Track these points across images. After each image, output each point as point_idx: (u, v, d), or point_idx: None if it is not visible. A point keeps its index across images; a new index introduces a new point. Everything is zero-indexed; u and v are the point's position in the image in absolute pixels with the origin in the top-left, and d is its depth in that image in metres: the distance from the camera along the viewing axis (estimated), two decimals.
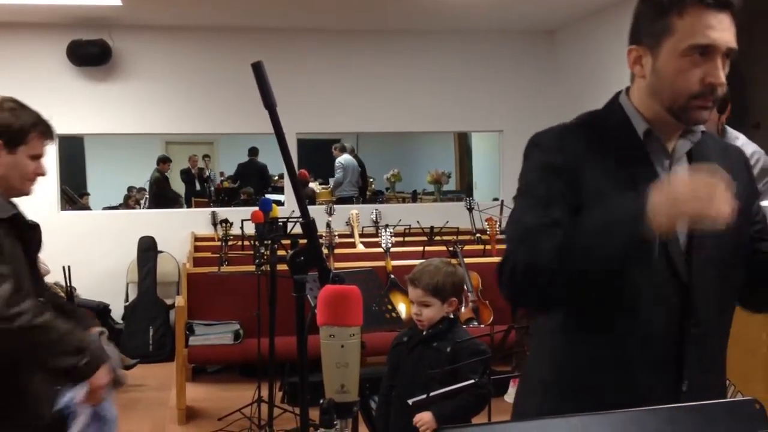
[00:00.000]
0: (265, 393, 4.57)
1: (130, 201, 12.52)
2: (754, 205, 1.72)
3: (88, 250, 7.54)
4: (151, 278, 7.40)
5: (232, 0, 6.94)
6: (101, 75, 7.74)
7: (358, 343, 1.24)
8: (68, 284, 6.05)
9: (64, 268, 5.94)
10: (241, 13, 7.39)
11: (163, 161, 12.27)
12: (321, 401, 1.21)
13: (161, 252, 7.63)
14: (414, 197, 12.48)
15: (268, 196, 9.48)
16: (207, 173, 14.54)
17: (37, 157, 2.39)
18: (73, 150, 13.21)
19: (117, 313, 7.37)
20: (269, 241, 4.38)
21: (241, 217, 6.78)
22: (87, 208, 11.28)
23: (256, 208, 4.72)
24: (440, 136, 14.01)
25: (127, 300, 7.47)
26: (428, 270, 2.94)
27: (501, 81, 8.42)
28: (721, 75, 1.53)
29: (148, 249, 7.56)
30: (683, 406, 1.24)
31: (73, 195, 11.26)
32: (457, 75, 8.32)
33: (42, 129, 2.39)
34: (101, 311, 7.06)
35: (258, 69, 1.48)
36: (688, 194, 1.38)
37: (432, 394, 2.64)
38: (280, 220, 4.84)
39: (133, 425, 5.14)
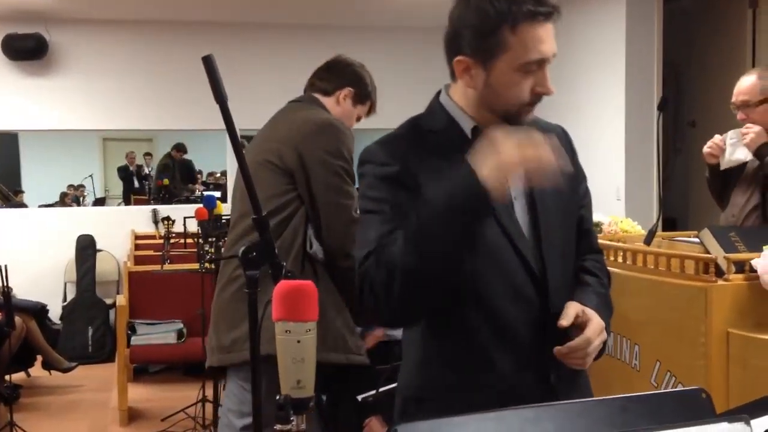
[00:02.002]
0: (209, 392, 4.53)
1: (67, 199, 12.25)
2: (579, 187, 1.76)
3: (24, 249, 7.35)
4: (90, 277, 7.25)
5: None
6: (37, 69, 7.55)
7: (314, 338, 1.24)
8: (5, 284, 5.88)
9: None
10: (180, 8, 7.28)
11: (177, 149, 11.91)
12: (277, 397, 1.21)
13: (100, 250, 7.48)
14: None
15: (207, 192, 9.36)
16: (146, 170, 14.31)
17: None
18: (7, 146, 12.88)
19: (55, 313, 7.17)
20: (214, 239, 4.34)
21: (183, 215, 6.68)
22: (22, 205, 11.00)
23: (200, 205, 4.67)
24: (381, 134, 13.97)
25: (65, 300, 7.30)
26: None
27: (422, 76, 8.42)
28: (549, 85, 1.57)
29: (86, 247, 7.40)
30: (634, 395, 1.27)
31: (8, 192, 10.95)
32: (407, 71, 8.29)
33: None
34: (39, 311, 6.88)
35: (208, 62, 1.46)
36: (513, 146, 1.40)
37: (381, 389, 2.64)
38: (224, 217, 4.79)
39: (72, 428, 5.04)
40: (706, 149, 3.33)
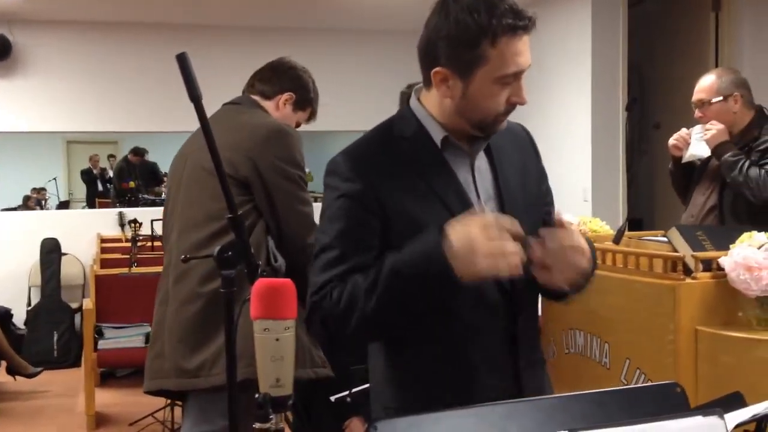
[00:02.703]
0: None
1: (30, 202, 12.07)
2: (543, 186, 1.78)
3: None
4: (55, 281, 7.15)
5: None
6: (0, 71, 7.44)
7: (293, 336, 1.23)
8: None
9: None
10: (146, 9, 7.22)
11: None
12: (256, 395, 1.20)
13: (65, 254, 7.38)
14: None
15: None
16: (110, 173, 14.14)
17: None
18: None
19: (19, 318, 7.07)
20: None
21: (150, 217, 6.63)
22: None
23: None
24: (353, 136, 13.97)
25: (29, 304, 7.18)
26: None
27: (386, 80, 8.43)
28: (524, 95, 1.58)
29: (51, 251, 7.30)
30: (610, 390, 1.28)
31: None
32: (365, 74, 8.30)
33: None
34: (2, 316, 6.78)
35: (182, 60, 1.45)
36: (480, 252, 1.41)
37: (353, 390, 2.64)
38: None
39: None
40: (671, 141, 3.40)
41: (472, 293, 1.54)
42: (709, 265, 2.63)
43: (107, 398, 5.66)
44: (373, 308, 1.48)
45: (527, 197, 1.69)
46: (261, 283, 1.23)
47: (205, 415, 2.45)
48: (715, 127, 3.22)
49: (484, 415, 1.18)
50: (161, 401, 4.77)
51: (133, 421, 4.96)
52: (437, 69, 1.57)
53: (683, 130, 3.37)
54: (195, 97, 1.45)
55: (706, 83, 3.30)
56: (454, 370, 1.61)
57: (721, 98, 3.25)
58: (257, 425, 1.17)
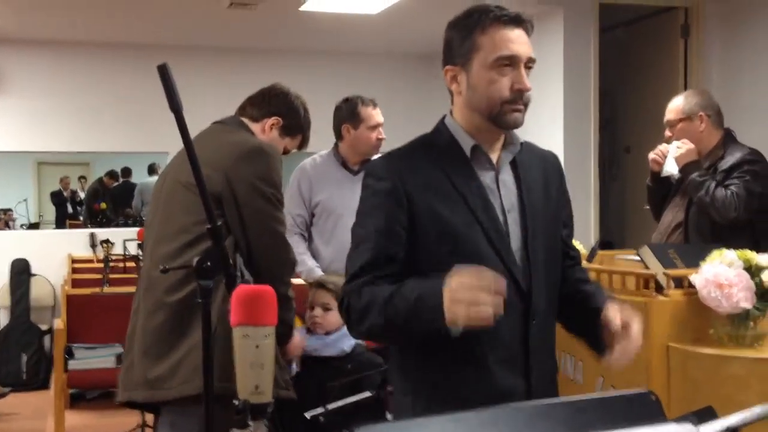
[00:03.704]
0: (149, 418, 4.44)
1: None
2: (564, 211, 1.93)
3: None
4: (25, 303, 7.06)
5: (110, 16, 6.77)
6: None
7: (273, 343, 1.24)
8: None
9: None
10: (121, 30, 7.21)
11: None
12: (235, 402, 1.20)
13: (35, 275, 7.29)
14: None
15: None
16: (81, 196, 14.00)
17: None
18: None
19: None
20: None
21: (122, 238, 6.58)
22: None
23: (142, 228, 4.61)
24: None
25: None
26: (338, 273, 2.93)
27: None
28: (526, 81, 1.75)
29: (21, 272, 7.21)
30: (588, 397, 1.30)
31: None
32: (330, 95, 8.27)
33: None
34: None
35: (163, 71, 1.47)
36: (457, 300, 1.53)
37: (329, 406, 2.63)
38: None
39: None
40: (651, 155, 3.47)
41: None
42: (680, 282, 2.67)
43: (77, 420, 5.57)
44: (381, 322, 1.65)
45: (546, 216, 1.82)
46: (241, 289, 1.24)
47: (174, 431, 2.44)
48: (685, 146, 3.28)
49: (465, 421, 1.19)
50: (132, 423, 4.72)
51: None
52: (447, 67, 1.79)
53: (663, 145, 3.45)
54: (175, 108, 1.47)
55: (675, 104, 3.42)
56: (468, 371, 1.72)
57: (686, 117, 3.34)
58: (235, 431, 1.17)
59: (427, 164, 1.75)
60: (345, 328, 1.92)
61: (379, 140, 3.58)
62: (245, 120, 2.71)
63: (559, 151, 6.34)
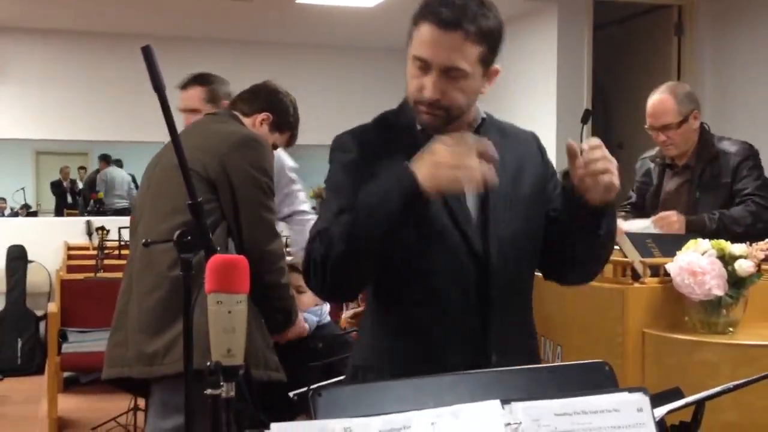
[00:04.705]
0: (141, 401, 4.50)
1: None
2: (549, 184, 1.83)
3: None
4: (20, 289, 7.12)
5: (108, 6, 6.83)
6: None
7: (245, 309, 1.30)
8: None
9: None
10: (119, 19, 7.27)
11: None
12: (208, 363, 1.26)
13: (31, 262, 7.36)
14: None
15: None
16: (80, 186, 14.04)
17: None
18: None
19: None
20: None
21: (117, 226, 6.64)
22: None
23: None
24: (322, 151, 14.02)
25: None
26: None
27: (369, 97, 8.54)
28: (429, 89, 1.62)
29: (17, 258, 7.28)
30: (542, 366, 1.37)
31: None
32: (325, 89, 8.33)
33: None
34: None
35: (147, 52, 1.52)
36: (443, 161, 1.51)
37: (312, 387, 2.69)
38: None
39: None
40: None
41: (449, 266, 1.66)
42: (656, 270, 2.73)
43: (70, 404, 5.65)
44: (344, 241, 1.58)
45: (516, 198, 1.74)
46: (215, 258, 1.30)
47: (166, 409, 2.49)
48: (673, 225, 3.10)
49: (424, 386, 1.25)
50: (124, 406, 4.78)
51: (96, 426, 4.96)
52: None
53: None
54: (158, 87, 1.51)
55: (666, 105, 3.21)
56: (422, 334, 1.70)
57: (683, 119, 3.20)
58: (209, 391, 1.24)
59: (390, 142, 1.73)
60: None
61: None
62: (237, 113, 2.81)
63: (551, 146, 6.38)
